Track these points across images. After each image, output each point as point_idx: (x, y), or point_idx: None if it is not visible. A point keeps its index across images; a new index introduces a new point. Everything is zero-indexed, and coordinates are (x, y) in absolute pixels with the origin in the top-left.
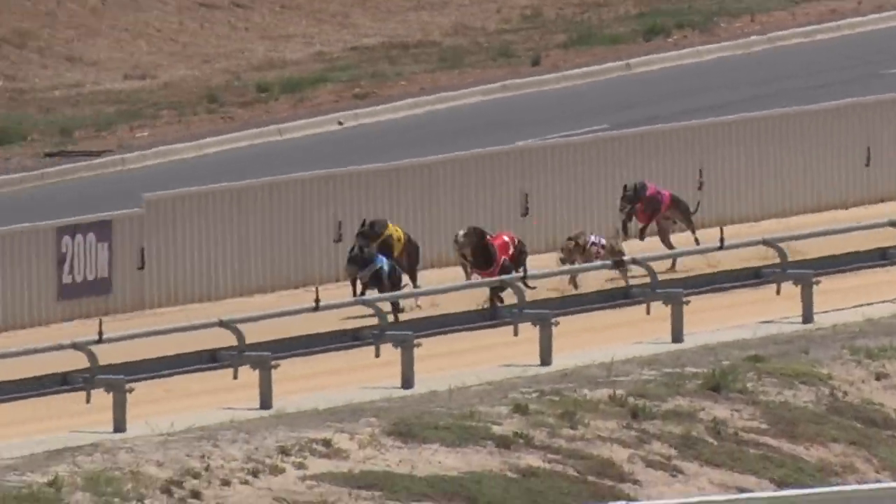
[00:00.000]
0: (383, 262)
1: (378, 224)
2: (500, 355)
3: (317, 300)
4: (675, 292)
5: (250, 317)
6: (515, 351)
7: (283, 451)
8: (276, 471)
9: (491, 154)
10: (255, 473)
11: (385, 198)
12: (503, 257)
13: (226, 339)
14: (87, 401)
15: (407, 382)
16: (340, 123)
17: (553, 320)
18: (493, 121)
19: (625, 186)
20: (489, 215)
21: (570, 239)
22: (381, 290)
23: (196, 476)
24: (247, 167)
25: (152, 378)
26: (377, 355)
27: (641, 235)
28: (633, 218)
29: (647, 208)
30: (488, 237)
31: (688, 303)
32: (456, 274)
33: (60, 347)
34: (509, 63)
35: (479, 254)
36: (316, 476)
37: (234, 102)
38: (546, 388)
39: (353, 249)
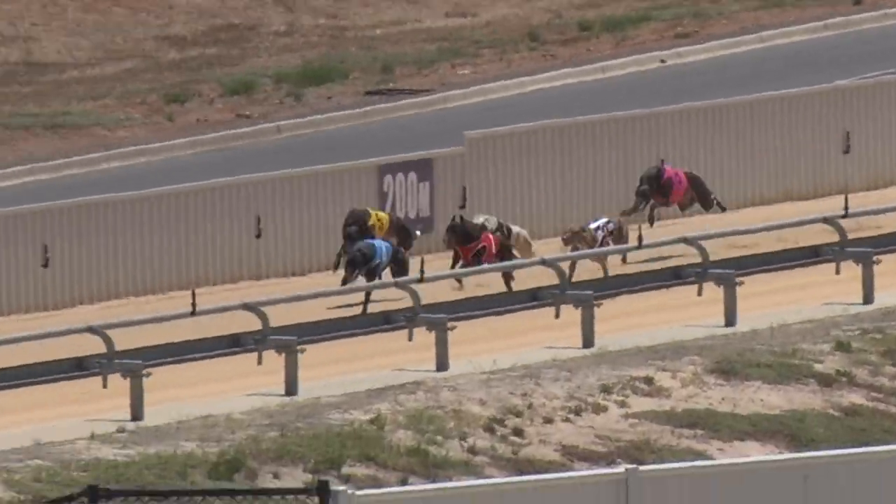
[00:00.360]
0: (381, 256)
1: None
2: (821, 294)
3: (640, 238)
4: None
5: (566, 256)
6: (837, 289)
7: (605, 390)
8: (598, 409)
9: (812, 93)
10: (576, 411)
11: (706, 136)
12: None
13: (548, 278)
14: (410, 339)
15: (729, 320)
16: (663, 62)
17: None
18: (814, 59)
19: (641, 178)
20: (811, 153)
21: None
22: (371, 279)
23: (518, 414)
24: (569, 105)
25: (473, 318)
26: (699, 293)
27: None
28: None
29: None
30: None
31: None
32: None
33: (384, 285)
34: (829, 1)
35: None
36: (638, 414)
37: (555, 41)
38: (868, 327)
39: (350, 249)
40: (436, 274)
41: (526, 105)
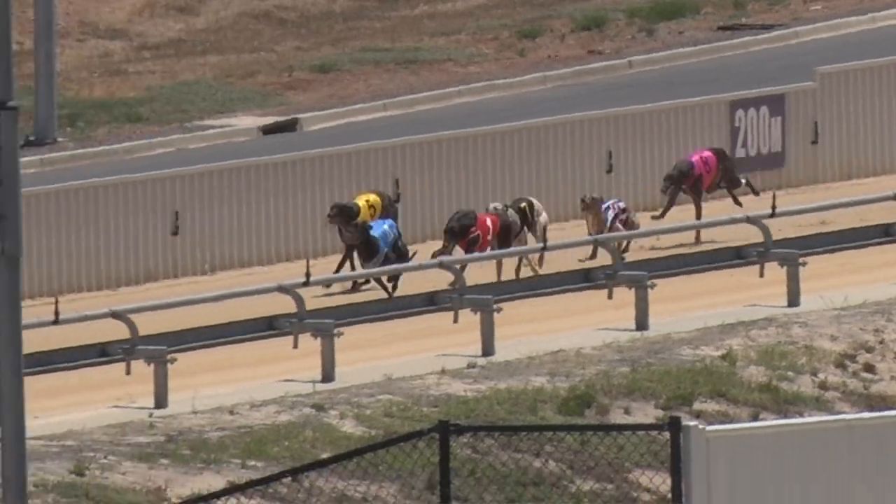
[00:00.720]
0: (386, 247)
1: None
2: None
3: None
4: None
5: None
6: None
7: None
8: None
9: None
10: None
11: None
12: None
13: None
14: (761, 275)
15: None
16: None
17: None
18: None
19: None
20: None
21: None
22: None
23: (869, 350)
24: None
25: (825, 253)
26: None
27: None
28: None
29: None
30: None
31: None
32: None
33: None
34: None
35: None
36: None
37: None
38: None
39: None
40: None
41: (878, 41)
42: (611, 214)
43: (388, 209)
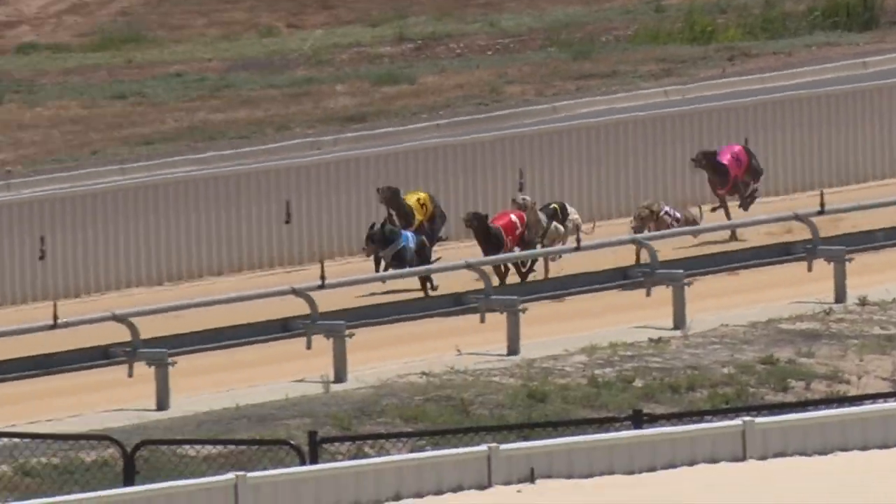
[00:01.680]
0: (408, 240)
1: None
2: None
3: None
4: None
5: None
6: None
7: None
8: None
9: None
10: None
11: None
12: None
13: None
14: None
15: None
16: None
17: None
18: None
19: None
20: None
21: (644, 207)
22: (400, 267)
23: None
24: None
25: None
26: None
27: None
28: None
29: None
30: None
31: None
32: None
33: None
34: None
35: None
36: None
37: None
38: None
39: (373, 226)
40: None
41: None
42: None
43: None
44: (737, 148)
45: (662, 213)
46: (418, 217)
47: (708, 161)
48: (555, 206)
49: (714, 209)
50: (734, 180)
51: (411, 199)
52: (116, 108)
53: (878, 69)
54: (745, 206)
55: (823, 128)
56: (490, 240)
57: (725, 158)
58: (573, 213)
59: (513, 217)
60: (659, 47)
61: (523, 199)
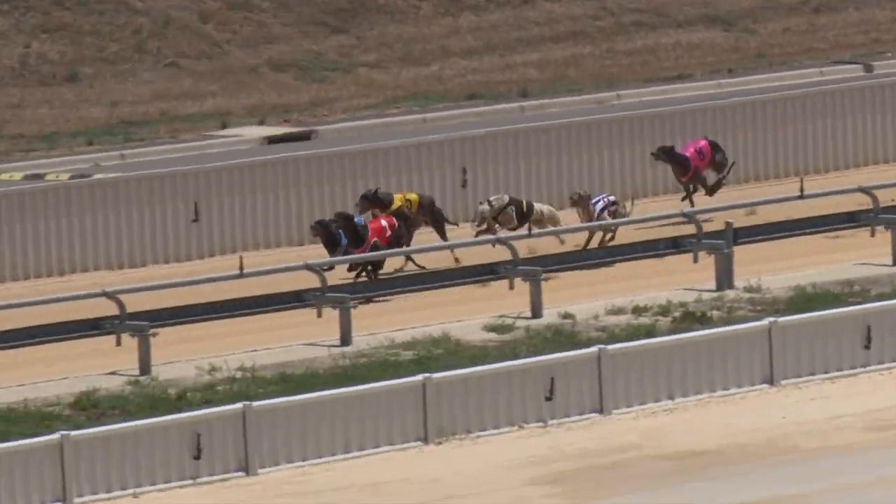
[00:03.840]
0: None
1: (384, 194)
2: None
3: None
4: None
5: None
6: None
7: None
8: None
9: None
10: None
11: None
12: (374, 238)
13: None
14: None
15: None
16: None
17: None
18: None
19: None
20: None
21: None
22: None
23: None
24: None
25: None
26: None
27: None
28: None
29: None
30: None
31: None
32: None
33: None
34: None
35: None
36: None
37: None
38: None
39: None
40: None
41: None
42: (600, 206)
43: (426, 208)
44: (702, 143)
45: (594, 200)
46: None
47: (666, 154)
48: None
49: (683, 198)
50: (695, 170)
51: (398, 198)
52: None
53: None
54: (710, 193)
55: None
56: (356, 240)
57: (688, 151)
58: (540, 206)
59: (383, 222)
60: None
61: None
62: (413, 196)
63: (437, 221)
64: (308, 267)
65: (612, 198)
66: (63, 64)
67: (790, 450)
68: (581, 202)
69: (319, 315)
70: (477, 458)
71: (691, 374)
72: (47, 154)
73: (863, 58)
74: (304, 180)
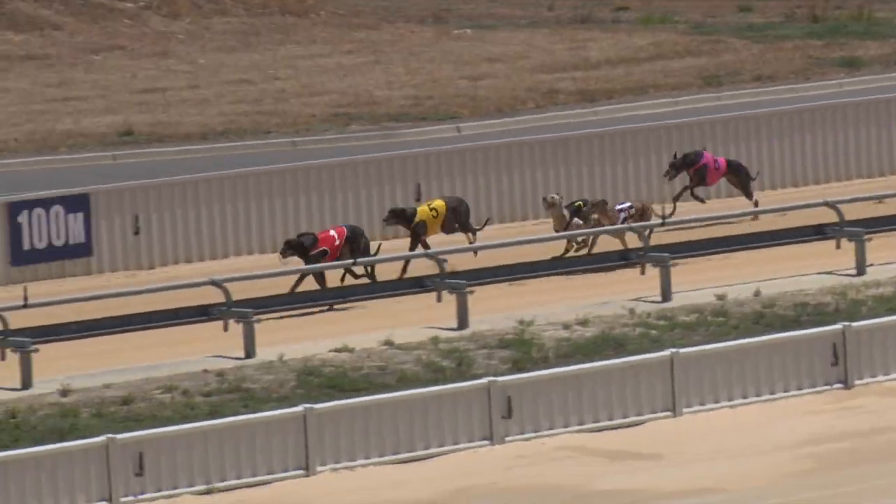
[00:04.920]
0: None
1: (408, 209)
2: None
3: None
4: None
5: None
6: None
7: None
8: None
9: None
10: None
11: None
12: (322, 247)
13: None
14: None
15: None
16: None
17: None
18: None
19: (674, 155)
20: None
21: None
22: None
23: None
24: None
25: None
26: None
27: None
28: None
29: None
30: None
31: None
32: None
33: None
34: None
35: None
36: None
37: None
38: None
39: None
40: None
41: None
42: (623, 215)
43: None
44: (722, 161)
45: (618, 208)
46: (431, 225)
47: (679, 170)
48: (579, 202)
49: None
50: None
51: (424, 208)
52: None
53: None
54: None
55: None
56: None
57: (708, 164)
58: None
59: (332, 232)
60: None
61: (552, 197)
62: (439, 203)
63: (462, 224)
64: (213, 282)
65: (630, 207)
66: None
67: None
68: (554, 207)
69: (226, 329)
70: None
71: None
72: None
73: None
74: None
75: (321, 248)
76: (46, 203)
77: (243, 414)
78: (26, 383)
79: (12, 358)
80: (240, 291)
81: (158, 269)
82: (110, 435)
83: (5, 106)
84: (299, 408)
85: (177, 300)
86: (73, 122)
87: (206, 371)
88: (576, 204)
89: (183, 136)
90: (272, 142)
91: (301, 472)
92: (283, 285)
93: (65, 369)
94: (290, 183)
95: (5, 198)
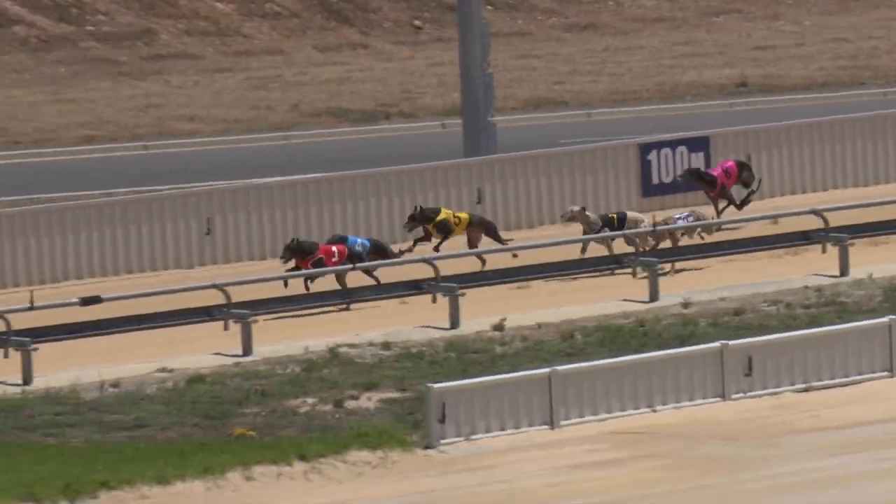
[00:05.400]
0: (356, 243)
1: (429, 210)
2: None
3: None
4: None
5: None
6: None
7: None
8: None
9: None
10: None
11: None
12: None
13: None
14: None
15: None
16: None
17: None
18: None
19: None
20: None
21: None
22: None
23: None
24: None
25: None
26: None
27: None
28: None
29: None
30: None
31: None
32: None
33: None
34: None
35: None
36: None
37: None
38: None
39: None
40: None
41: None
42: (682, 222)
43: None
44: (729, 163)
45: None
46: (456, 229)
47: (693, 175)
48: (613, 215)
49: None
50: (722, 187)
51: (446, 212)
52: None
53: None
54: (739, 207)
55: None
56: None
57: (716, 171)
58: (634, 215)
59: (333, 248)
60: None
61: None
62: (463, 215)
63: (490, 232)
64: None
65: (689, 216)
66: None
67: None
68: (579, 217)
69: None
70: None
71: None
72: None
73: None
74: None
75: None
76: (672, 144)
77: (837, 324)
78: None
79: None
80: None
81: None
82: (724, 341)
83: (640, 61)
84: (885, 319)
85: None
86: (696, 74)
87: (806, 287)
88: (611, 215)
89: (789, 86)
90: (865, 93)
91: (885, 374)
92: None
93: (684, 285)
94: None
95: (638, 139)
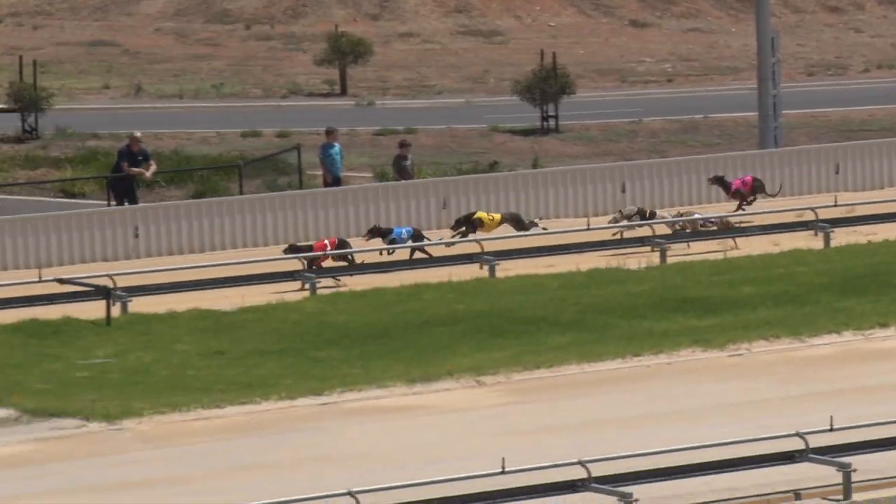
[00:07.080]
0: (401, 233)
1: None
2: None
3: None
4: None
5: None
6: None
7: None
8: None
9: None
10: None
11: None
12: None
13: None
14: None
15: None
16: None
17: None
18: None
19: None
20: None
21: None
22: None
23: None
24: None
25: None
26: None
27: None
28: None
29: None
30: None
31: None
32: None
33: None
34: None
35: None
36: None
37: None
38: None
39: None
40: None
41: None
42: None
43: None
44: (748, 178)
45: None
46: (489, 225)
47: (717, 181)
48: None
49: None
50: (734, 191)
51: (481, 215)
52: None
53: None
54: (739, 207)
55: None
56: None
57: (736, 181)
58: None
59: (325, 241)
60: None
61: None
62: (497, 216)
63: (520, 226)
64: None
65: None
66: None
67: None
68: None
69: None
70: None
71: None
72: None
73: None
74: None
75: None
76: None
77: None
78: None
79: None
80: None
81: None
82: None
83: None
84: None
85: None
86: None
87: None
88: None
89: None
90: None
91: None
92: None
93: None
94: None
95: None
